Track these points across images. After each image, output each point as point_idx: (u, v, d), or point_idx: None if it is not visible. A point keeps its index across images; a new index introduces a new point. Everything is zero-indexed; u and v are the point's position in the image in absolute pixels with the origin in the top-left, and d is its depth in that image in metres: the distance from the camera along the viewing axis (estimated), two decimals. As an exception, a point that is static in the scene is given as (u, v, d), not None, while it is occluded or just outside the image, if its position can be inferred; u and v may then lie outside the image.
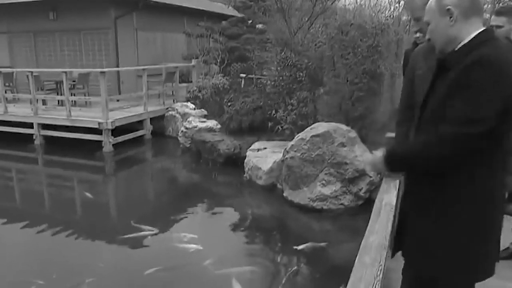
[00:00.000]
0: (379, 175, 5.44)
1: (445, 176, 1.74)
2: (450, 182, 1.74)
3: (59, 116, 10.06)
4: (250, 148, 7.73)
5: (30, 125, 10.30)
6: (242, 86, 11.19)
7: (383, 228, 1.89)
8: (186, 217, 6.41)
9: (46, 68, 12.39)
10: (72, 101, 10.59)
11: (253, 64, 11.38)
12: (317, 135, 6.07)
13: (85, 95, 11.33)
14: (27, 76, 10.35)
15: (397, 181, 2.43)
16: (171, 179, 8.72)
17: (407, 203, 1.99)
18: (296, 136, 6.41)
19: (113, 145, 9.56)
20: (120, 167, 9.52)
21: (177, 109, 10.84)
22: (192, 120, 9.76)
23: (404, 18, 13.18)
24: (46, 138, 10.31)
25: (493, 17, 3.15)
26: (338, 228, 5.80)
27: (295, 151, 6.21)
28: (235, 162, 7.99)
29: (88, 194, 7.13)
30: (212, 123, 9.51)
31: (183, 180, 8.67)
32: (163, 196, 7.63)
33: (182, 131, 9.80)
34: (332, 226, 5.87)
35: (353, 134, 6.25)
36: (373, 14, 10.27)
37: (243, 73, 11.62)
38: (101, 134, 9.50)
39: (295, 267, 4.61)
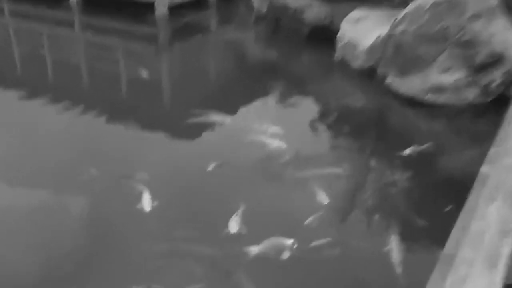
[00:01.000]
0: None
1: None
2: None
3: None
4: (346, 18, 7.49)
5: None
6: None
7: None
8: (260, 104, 6.42)
9: None
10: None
11: None
12: (441, 2, 5.86)
13: None
14: None
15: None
16: (240, 54, 8.71)
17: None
18: (412, 2, 6.19)
19: (168, 7, 9.55)
20: (176, 36, 9.59)
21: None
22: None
23: None
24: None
25: None
26: (454, 130, 5.77)
27: (408, 24, 6.09)
28: (325, 36, 7.73)
29: (138, 70, 7.26)
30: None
31: (256, 57, 8.62)
32: (230, 76, 7.66)
33: (256, -9, 9.47)
34: (448, 127, 5.84)
35: (494, 1, 5.89)
36: None
37: None
38: (153, -9, 9.44)
39: (392, 177, 4.59)
